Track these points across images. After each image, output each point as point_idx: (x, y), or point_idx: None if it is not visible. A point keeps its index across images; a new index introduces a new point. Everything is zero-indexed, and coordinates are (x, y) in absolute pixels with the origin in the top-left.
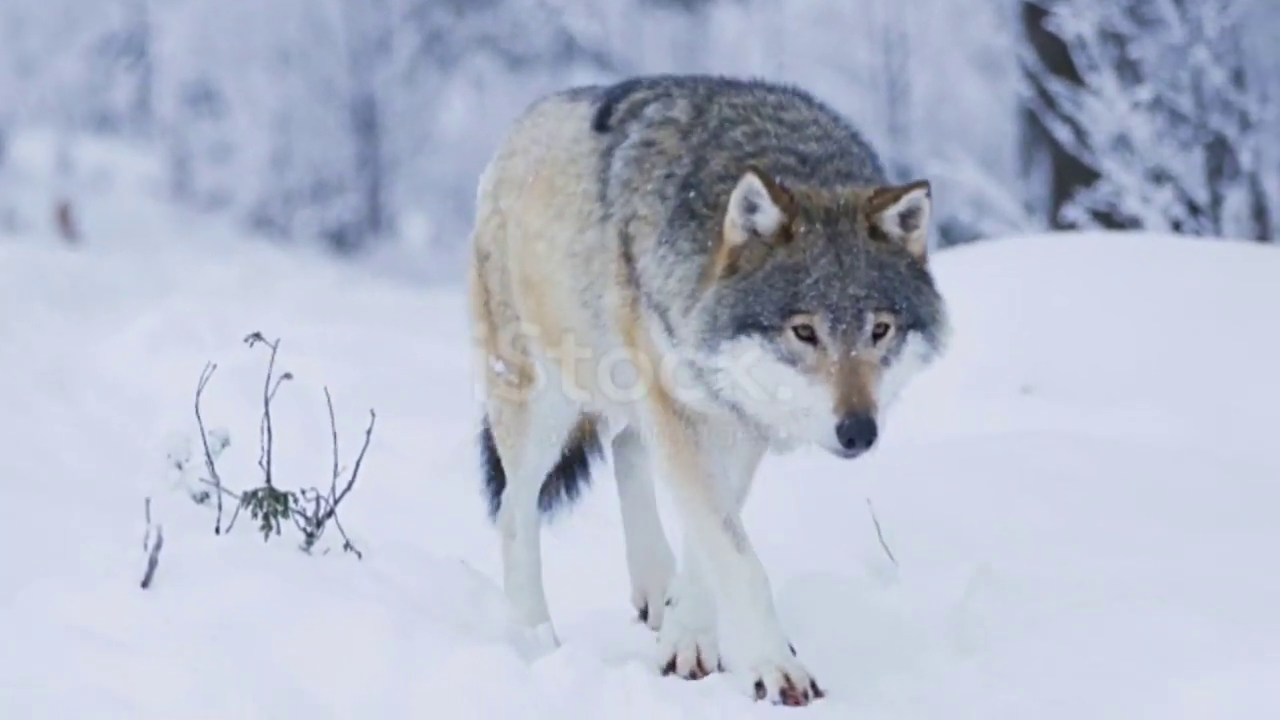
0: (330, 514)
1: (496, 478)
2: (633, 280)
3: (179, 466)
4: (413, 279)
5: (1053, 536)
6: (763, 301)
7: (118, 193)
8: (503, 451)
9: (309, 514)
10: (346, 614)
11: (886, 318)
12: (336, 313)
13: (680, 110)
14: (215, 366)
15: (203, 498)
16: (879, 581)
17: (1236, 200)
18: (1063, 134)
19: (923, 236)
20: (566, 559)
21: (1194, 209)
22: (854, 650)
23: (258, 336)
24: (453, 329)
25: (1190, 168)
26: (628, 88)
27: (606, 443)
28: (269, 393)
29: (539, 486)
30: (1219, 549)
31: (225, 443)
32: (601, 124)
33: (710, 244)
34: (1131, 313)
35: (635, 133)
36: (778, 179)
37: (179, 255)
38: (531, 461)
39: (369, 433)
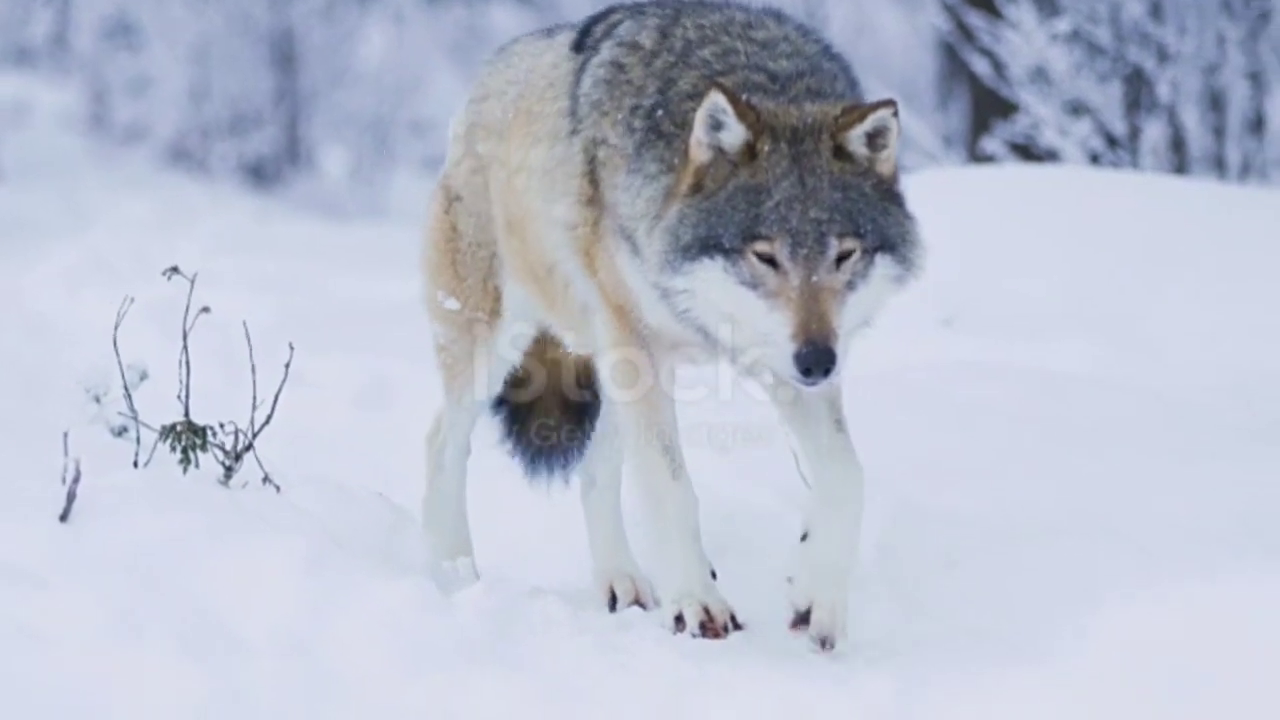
0: (249, 448)
1: (518, 436)
2: (595, 202)
3: (97, 400)
4: (331, 213)
5: (973, 469)
6: (725, 223)
7: (35, 127)
8: (446, 376)
9: (227, 448)
10: (264, 547)
11: (850, 243)
12: (255, 247)
13: (647, 35)
14: (133, 300)
15: (121, 431)
16: (798, 514)
17: (1154, 133)
18: (981, 66)
19: (891, 157)
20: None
21: (1112, 141)
22: (772, 581)
23: (176, 270)
24: (369, 262)
25: (1108, 100)
26: (609, 10)
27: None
28: (187, 326)
29: (477, 417)
30: (1138, 480)
31: (143, 376)
32: (579, 45)
33: (677, 163)
34: (1050, 245)
35: (605, 50)
36: (745, 96)
37: (97, 189)
38: (481, 391)
39: (287, 366)
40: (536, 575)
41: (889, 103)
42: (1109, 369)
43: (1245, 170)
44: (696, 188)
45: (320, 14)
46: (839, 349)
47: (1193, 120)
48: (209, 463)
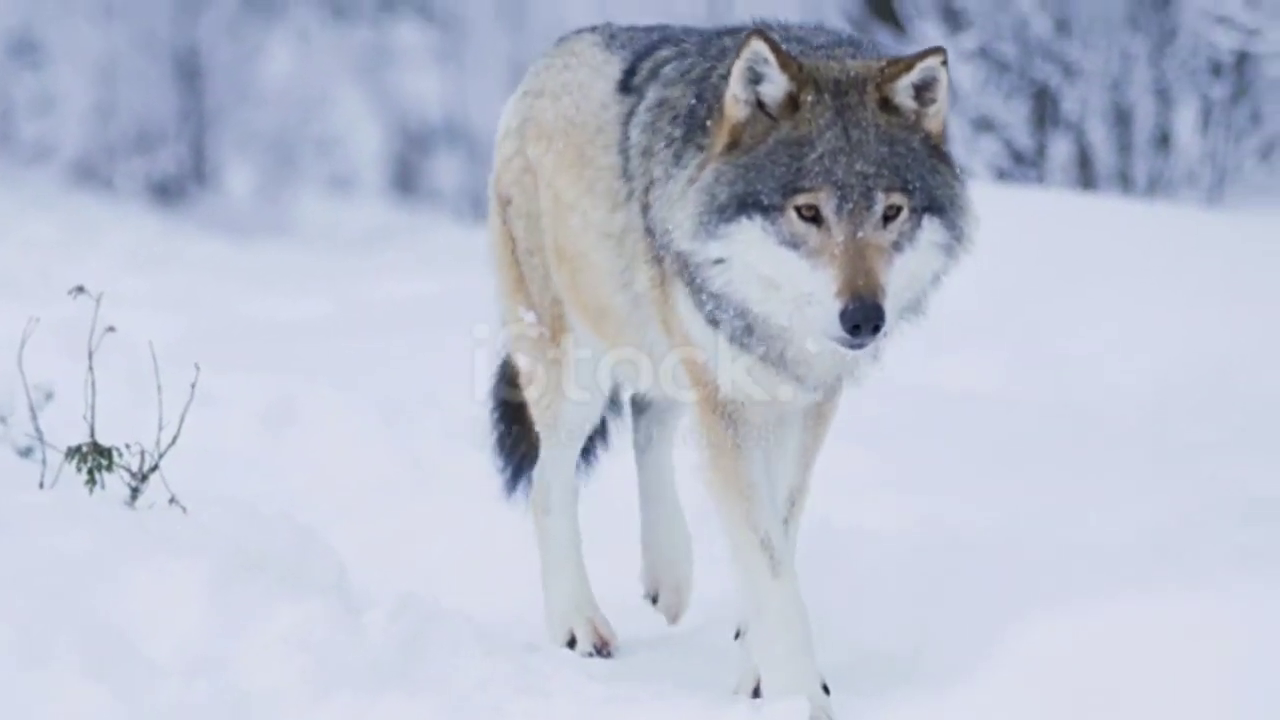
0: (155, 468)
1: (512, 445)
2: (659, 259)
3: (2, 421)
4: (237, 231)
5: (883, 487)
6: (764, 179)
7: None
8: (537, 414)
9: (134, 468)
10: (171, 568)
11: (898, 198)
12: (161, 265)
13: (691, 64)
14: (38, 320)
15: (26, 452)
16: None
17: (1061, 149)
18: None
19: (940, 112)
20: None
21: (1019, 158)
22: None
23: (81, 289)
24: (276, 280)
25: (1015, 116)
26: (653, 45)
27: (625, 401)
28: (92, 346)
29: (578, 451)
30: (1048, 497)
31: (49, 396)
32: (626, 84)
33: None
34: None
35: (651, 93)
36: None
37: (1, 208)
38: (570, 421)
39: (193, 386)
40: (453, 596)
41: (938, 50)
42: (1017, 385)
43: (1151, 186)
44: (733, 145)
45: (225, 31)
46: (888, 307)
47: (1099, 136)
48: (115, 483)
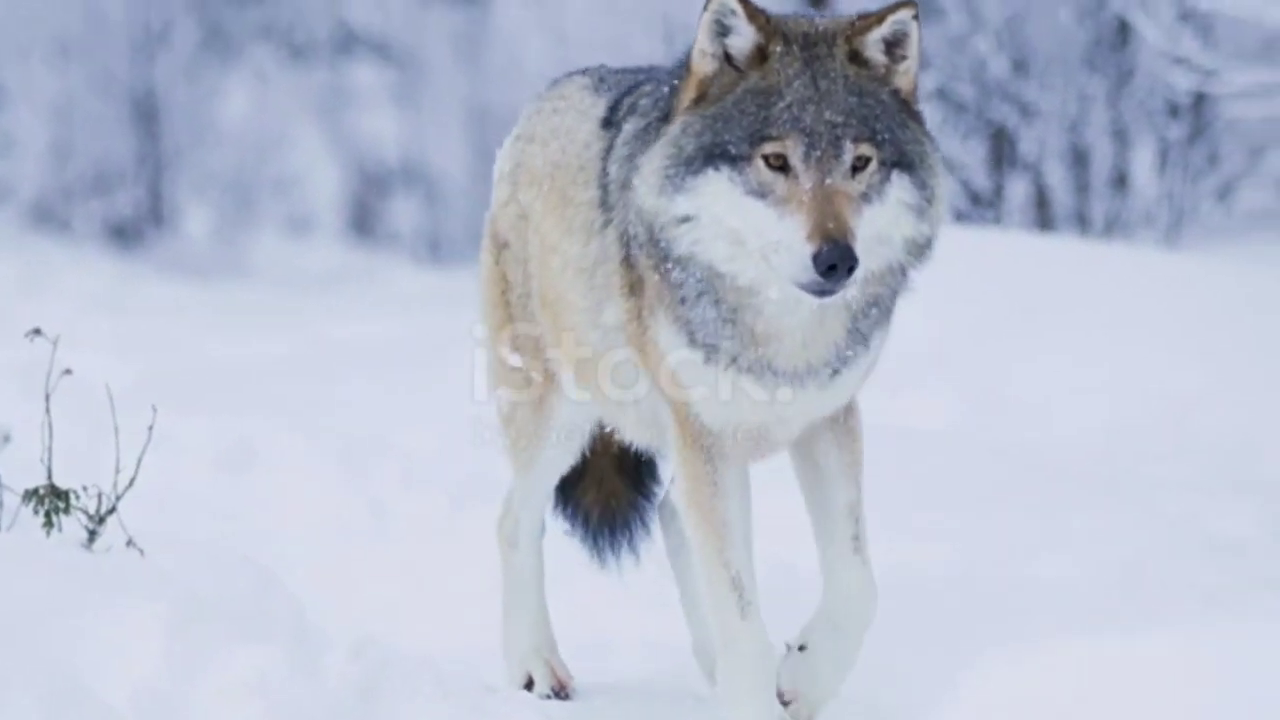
0: (112, 511)
1: (575, 510)
2: (636, 289)
3: None
4: (194, 272)
5: None
6: (731, 129)
7: None
8: (512, 452)
9: (91, 511)
10: (128, 611)
11: (867, 149)
12: (118, 308)
13: (666, 92)
14: None
15: None
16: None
17: (1019, 190)
18: None
19: (910, 70)
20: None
21: (976, 198)
22: (649, 647)
23: (38, 332)
24: (233, 322)
25: (972, 157)
26: (637, 84)
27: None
28: (49, 389)
29: (552, 488)
30: (1004, 539)
31: (6, 439)
32: (607, 121)
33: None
34: (913, 302)
35: (628, 127)
36: None
37: None
38: (551, 462)
39: (151, 429)
40: (411, 638)
41: (909, 3)
42: (974, 425)
43: (1109, 227)
44: (700, 99)
45: (182, 73)
46: (859, 250)
47: (1057, 177)
48: (72, 526)
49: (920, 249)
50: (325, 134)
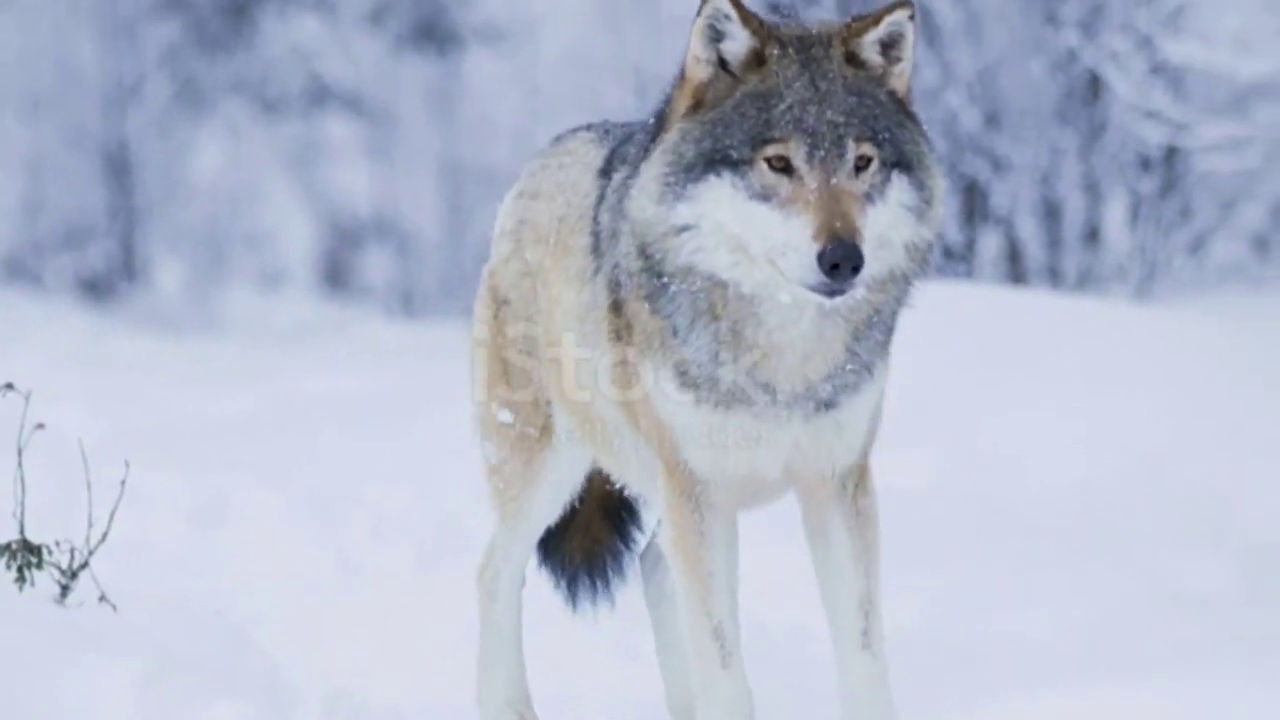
0: (85, 566)
1: (559, 557)
2: (623, 336)
3: None
4: (167, 327)
5: (814, 583)
6: (732, 133)
7: None
8: (499, 501)
9: (63, 566)
10: (101, 666)
11: (869, 148)
12: (90, 362)
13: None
14: None
15: None
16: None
17: (991, 244)
18: None
19: (906, 71)
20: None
21: (948, 252)
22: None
23: (10, 387)
24: (206, 377)
25: (945, 211)
26: (634, 133)
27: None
28: (22, 443)
29: (535, 542)
30: (978, 593)
31: None
32: (604, 170)
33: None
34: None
35: (617, 176)
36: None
37: None
38: (538, 516)
39: (123, 484)
40: (383, 692)
41: (905, 3)
42: (946, 480)
43: (1081, 281)
44: (697, 106)
45: (154, 127)
46: (866, 250)
47: (1029, 231)
48: (45, 581)
49: (920, 253)
50: (298, 188)
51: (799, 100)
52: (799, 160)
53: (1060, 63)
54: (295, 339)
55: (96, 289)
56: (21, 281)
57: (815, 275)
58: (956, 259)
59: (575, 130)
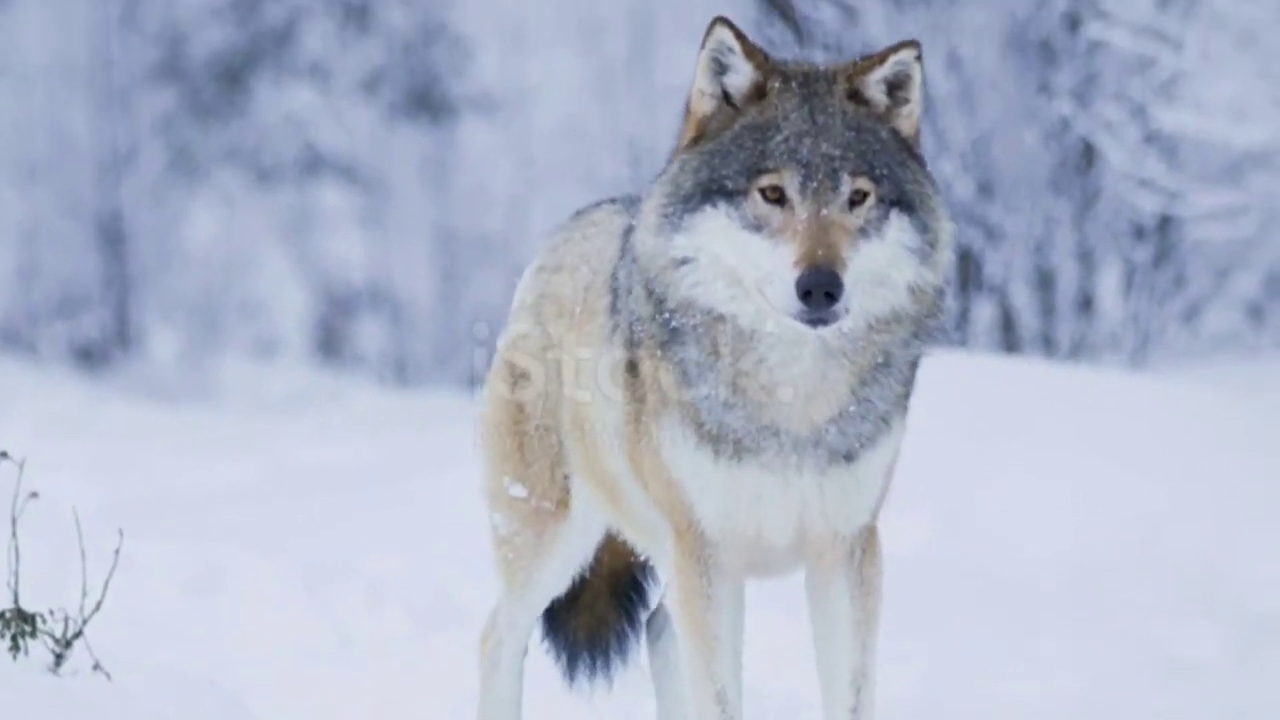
0: (79, 634)
1: (560, 629)
2: (637, 394)
3: None
4: (161, 396)
5: (811, 651)
6: (729, 163)
7: None
8: (507, 571)
9: (57, 635)
10: None
11: (864, 183)
12: (84, 430)
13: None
14: None
15: None
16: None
17: (984, 312)
18: None
19: (914, 113)
20: None
21: None
22: None
23: (4, 455)
24: (200, 445)
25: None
26: None
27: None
28: (16, 512)
29: (541, 612)
30: (973, 662)
31: None
32: (626, 231)
33: None
34: None
35: (634, 236)
36: None
37: None
38: (547, 587)
39: (118, 552)
40: None
41: (911, 43)
42: (939, 548)
43: (1075, 349)
44: (698, 138)
45: (148, 195)
46: (847, 279)
47: (1022, 300)
48: (39, 650)
49: (926, 296)
50: (292, 256)
51: (795, 132)
52: (792, 191)
53: (1054, 132)
54: (289, 407)
55: (91, 357)
56: (16, 349)
57: (795, 303)
58: (950, 328)
59: (599, 203)
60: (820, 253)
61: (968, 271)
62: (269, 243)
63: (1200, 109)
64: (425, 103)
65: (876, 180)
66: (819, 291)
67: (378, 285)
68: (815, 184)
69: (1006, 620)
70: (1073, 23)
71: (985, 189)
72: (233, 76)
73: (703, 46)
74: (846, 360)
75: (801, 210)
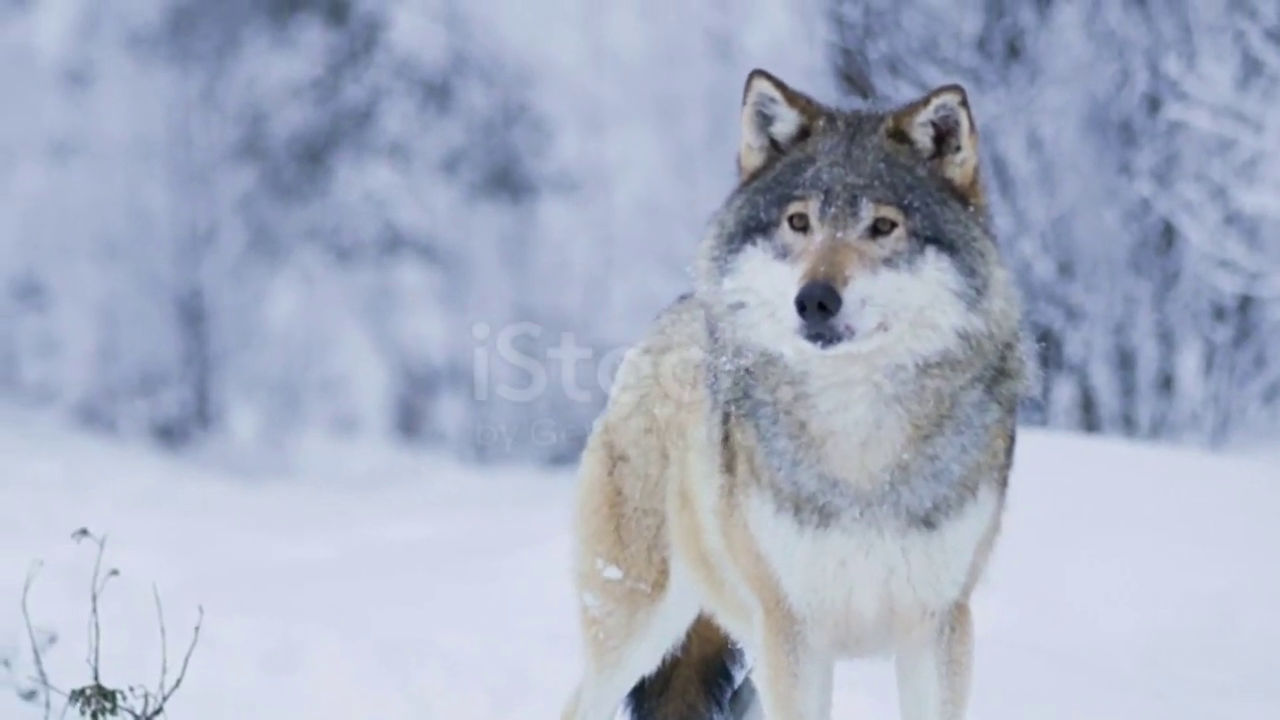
0: (159, 711)
1: (656, 711)
2: (730, 466)
3: (5, 664)
4: (240, 473)
5: None
6: (767, 199)
7: None
8: (596, 651)
9: (137, 711)
10: None
11: (890, 212)
12: (163, 508)
13: None
14: (42, 562)
15: (30, 695)
16: None
17: (1065, 392)
18: None
19: (968, 160)
20: None
21: (1022, 401)
22: None
23: (85, 532)
24: (278, 523)
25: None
26: None
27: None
28: (96, 589)
29: (627, 693)
30: None
31: (52, 639)
32: None
33: None
34: None
35: None
36: None
37: (4, 451)
38: (635, 667)
39: (197, 629)
40: None
41: (954, 87)
42: (1017, 629)
43: (1155, 429)
44: (748, 182)
45: (229, 273)
46: (847, 295)
47: (1102, 379)
48: None
49: (978, 344)
50: (371, 334)
51: (827, 164)
52: (814, 216)
53: (1134, 212)
54: (368, 485)
55: (170, 435)
56: (96, 427)
57: (794, 317)
58: (1030, 408)
59: None
60: (822, 269)
61: (1048, 351)
62: (349, 321)
63: None
64: (505, 182)
65: (905, 211)
66: (812, 303)
67: (456, 363)
68: (834, 209)
69: (1085, 701)
70: (1153, 104)
71: (1065, 269)
72: (313, 156)
73: (744, 102)
74: (901, 408)
75: (819, 234)
